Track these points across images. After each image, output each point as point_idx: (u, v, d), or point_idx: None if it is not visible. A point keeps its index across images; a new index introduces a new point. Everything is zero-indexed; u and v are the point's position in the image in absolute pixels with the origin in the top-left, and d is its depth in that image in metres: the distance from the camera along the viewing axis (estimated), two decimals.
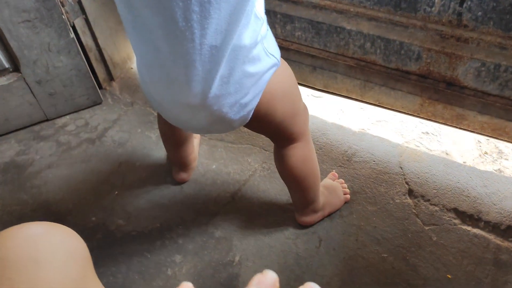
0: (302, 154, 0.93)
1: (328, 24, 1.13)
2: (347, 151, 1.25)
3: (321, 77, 1.26)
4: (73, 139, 1.36)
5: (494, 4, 0.88)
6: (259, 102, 0.78)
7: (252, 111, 0.78)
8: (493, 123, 1.06)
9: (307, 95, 1.43)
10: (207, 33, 0.69)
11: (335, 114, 1.38)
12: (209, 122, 0.79)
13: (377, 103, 1.23)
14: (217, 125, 0.81)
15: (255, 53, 0.75)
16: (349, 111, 1.38)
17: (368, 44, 1.11)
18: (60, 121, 1.42)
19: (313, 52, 1.21)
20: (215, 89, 0.73)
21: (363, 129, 1.32)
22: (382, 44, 1.08)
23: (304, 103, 0.94)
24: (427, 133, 1.31)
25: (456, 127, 1.14)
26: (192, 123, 0.81)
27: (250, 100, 0.76)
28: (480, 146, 1.28)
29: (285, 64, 0.86)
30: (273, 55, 0.79)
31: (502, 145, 1.26)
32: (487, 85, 1.00)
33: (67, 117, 1.43)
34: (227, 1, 0.68)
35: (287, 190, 1.04)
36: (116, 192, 1.21)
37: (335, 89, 1.27)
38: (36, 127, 1.40)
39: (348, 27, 1.10)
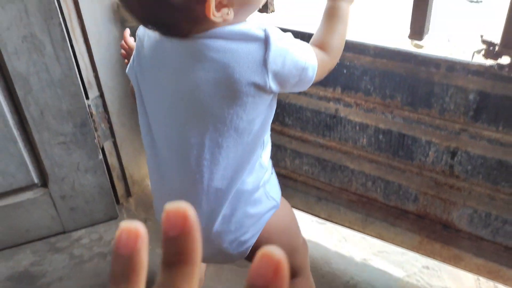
0: None
1: (333, 162, 1.24)
2: (348, 282, 1.28)
3: (325, 207, 1.35)
4: (86, 253, 1.42)
5: (482, 161, 0.99)
6: (257, 239, 0.86)
7: (251, 247, 0.86)
8: (488, 266, 1.11)
9: (311, 221, 1.50)
10: (214, 177, 0.80)
11: (338, 242, 1.44)
12: (210, 254, 0.87)
13: (378, 236, 1.30)
14: (217, 257, 0.89)
15: (257, 196, 0.86)
16: (352, 240, 1.44)
17: (369, 183, 1.21)
18: (76, 234, 1.49)
19: (319, 185, 1.31)
20: (217, 226, 0.82)
21: (365, 259, 1.37)
22: (382, 184, 1.18)
23: (303, 238, 1.01)
24: (428, 267, 1.36)
25: (454, 266, 1.19)
26: None
27: (249, 238, 0.85)
28: (479, 284, 1.31)
29: (284, 203, 0.95)
30: (273, 198, 0.89)
31: (501, 286, 1.30)
32: (480, 231, 1.08)
33: (83, 230, 1.50)
34: (235, 151, 0.79)
35: None
36: None
37: (338, 220, 1.35)
38: (53, 239, 1.47)
39: (351, 167, 1.21)
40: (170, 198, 0.84)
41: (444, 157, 1.05)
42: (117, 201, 1.56)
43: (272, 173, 0.96)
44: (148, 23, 0.72)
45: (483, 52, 0.88)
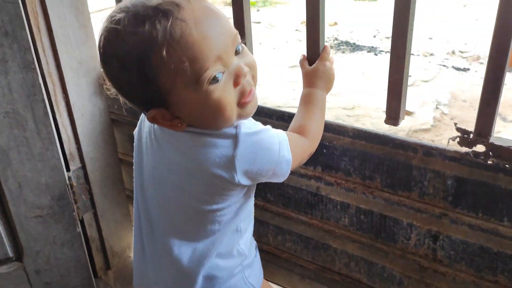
0: None
1: (315, 240, 1.21)
2: None
3: (309, 286, 1.30)
4: None
5: (464, 246, 0.97)
6: None
7: None
8: None
9: None
10: (182, 258, 0.83)
11: None
12: None
13: None
14: None
15: (233, 283, 0.86)
16: None
17: (352, 263, 1.17)
18: None
19: (302, 262, 1.27)
20: None
21: None
22: (366, 265, 1.15)
23: None
24: None
25: None
26: None
27: None
28: None
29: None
30: (252, 285, 0.88)
31: None
32: None
33: None
34: (203, 235, 0.82)
35: None
36: None
37: None
38: None
39: (334, 246, 1.19)
40: (144, 274, 0.88)
41: (426, 241, 1.02)
42: (95, 275, 1.50)
43: (255, 257, 0.94)
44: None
45: (458, 139, 0.88)
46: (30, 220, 1.28)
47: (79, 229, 1.37)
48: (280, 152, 0.76)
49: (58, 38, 1.21)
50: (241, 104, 0.71)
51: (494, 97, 0.81)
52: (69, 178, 1.32)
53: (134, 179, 0.89)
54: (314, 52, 0.96)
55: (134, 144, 0.89)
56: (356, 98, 3.03)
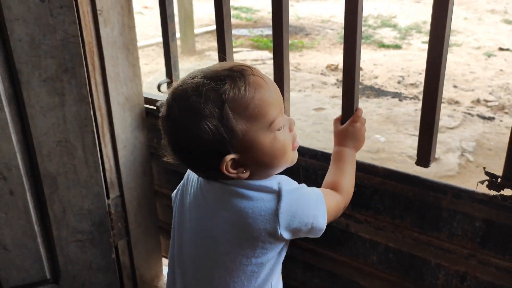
0: None
1: (344, 277, 1.24)
2: None
3: None
4: None
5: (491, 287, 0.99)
6: None
7: None
8: None
9: None
10: None
11: None
12: None
13: None
14: None
15: None
16: None
17: None
18: None
19: None
20: None
21: None
22: None
23: None
24: None
25: None
26: None
27: None
28: None
29: None
30: None
31: None
32: None
33: None
34: None
35: None
36: None
37: None
38: None
39: (362, 283, 1.21)
40: None
41: (454, 281, 1.05)
42: None
43: None
44: (186, 165, 0.86)
45: (486, 183, 0.92)
46: (70, 244, 1.35)
47: (114, 255, 1.42)
48: (317, 207, 0.84)
49: (110, 75, 1.31)
50: (293, 147, 0.85)
51: None
52: (109, 205, 1.39)
53: (172, 240, 0.95)
54: (348, 111, 1.05)
55: (174, 206, 0.95)
56: (381, 143, 3.08)
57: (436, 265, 1.06)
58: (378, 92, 4.13)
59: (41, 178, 1.25)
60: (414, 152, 2.97)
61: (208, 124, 0.74)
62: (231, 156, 0.77)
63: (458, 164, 2.81)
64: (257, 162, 0.80)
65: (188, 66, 5.06)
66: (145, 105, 1.46)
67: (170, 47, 1.38)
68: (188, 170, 0.94)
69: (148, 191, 1.53)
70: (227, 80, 0.75)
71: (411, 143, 3.03)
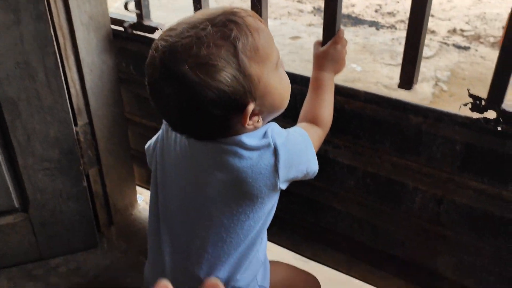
0: None
1: (321, 203, 1.24)
2: None
3: (310, 247, 1.34)
4: (62, 282, 1.38)
5: (468, 211, 1.00)
6: None
7: None
8: None
9: (295, 258, 1.49)
10: (212, 272, 0.83)
11: (322, 283, 1.42)
12: None
13: (362, 279, 1.29)
14: None
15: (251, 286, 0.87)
16: (336, 280, 1.42)
17: (356, 225, 1.20)
18: (53, 262, 1.45)
19: (306, 224, 1.30)
20: None
21: None
22: (369, 227, 1.18)
23: None
24: None
25: None
26: None
27: None
28: None
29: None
30: (263, 286, 0.91)
31: None
32: (465, 280, 1.08)
33: (61, 258, 1.46)
34: (237, 248, 0.82)
35: None
36: None
37: (323, 260, 1.34)
38: (29, 266, 1.43)
39: (339, 208, 1.22)
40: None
41: (430, 205, 1.05)
42: (98, 230, 1.53)
43: (266, 263, 0.96)
44: (180, 130, 0.78)
45: (469, 105, 0.90)
46: (37, 173, 1.29)
47: (85, 183, 1.38)
48: (307, 152, 0.83)
49: None
50: None
51: (509, 64, 0.82)
52: (77, 133, 1.33)
53: (155, 197, 0.89)
54: (329, 34, 0.99)
55: (151, 161, 0.89)
56: (357, 72, 3.04)
57: (414, 189, 1.06)
58: (355, 21, 4.03)
59: (1, 103, 1.16)
60: (389, 82, 2.95)
61: (227, 76, 0.68)
62: (252, 105, 0.72)
63: (432, 94, 2.82)
64: (270, 107, 0.76)
65: None
66: (112, 26, 1.36)
67: None
68: (167, 126, 0.86)
69: (118, 119, 1.46)
70: (231, 25, 0.69)
71: (387, 73, 3.00)
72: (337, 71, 0.98)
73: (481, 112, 0.90)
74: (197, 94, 0.68)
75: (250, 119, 0.73)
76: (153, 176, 0.89)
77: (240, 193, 0.77)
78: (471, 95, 0.91)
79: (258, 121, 0.75)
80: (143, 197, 1.73)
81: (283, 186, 0.80)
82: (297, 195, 1.27)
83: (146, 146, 0.92)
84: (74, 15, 1.23)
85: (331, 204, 1.22)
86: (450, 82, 2.96)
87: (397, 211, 1.11)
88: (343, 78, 2.89)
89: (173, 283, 0.84)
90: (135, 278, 1.40)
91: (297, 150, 0.81)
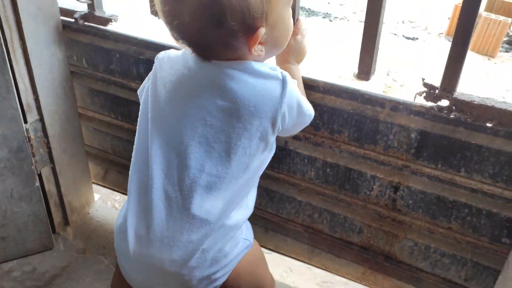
0: None
1: (281, 193, 1.25)
2: None
3: (272, 238, 1.35)
4: (17, 286, 1.32)
5: (422, 196, 1.04)
6: (226, 279, 0.84)
7: (218, 287, 0.84)
8: None
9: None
10: (203, 207, 0.78)
11: (284, 273, 1.44)
12: None
13: (323, 267, 1.32)
14: None
15: (236, 235, 0.85)
16: (297, 270, 1.44)
17: (316, 215, 1.22)
18: (7, 266, 1.38)
19: (266, 215, 1.31)
20: (194, 260, 0.79)
21: None
22: (328, 216, 1.21)
23: (270, 276, 1.01)
24: None
25: None
26: None
27: (219, 277, 0.83)
28: None
29: (256, 245, 0.95)
30: (247, 239, 0.89)
31: None
32: (420, 262, 1.12)
33: (15, 262, 1.40)
34: (230, 184, 0.79)
35: None
36: None
37: (285, 250, 1.35)
38: None
39: (299, 198, 1.23)
40: (150, 225, 0.79)
41: (387, 192, 1.09)
42: (54, 230, 1.47)
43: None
44: (187, 40, 0.74)
45: (424, 94, 0.93)
46: None
47: (38, 183, 1.32)
48: (309, 107, 0.85)
49: None
50: None
51: (461, 54, 0.86)
52: (27, 130, 1.27)
53: (142, 133, 0.84)
54: None
55: (143, 98, 0.85)
56: (311, 64, 3.08)
57: (372, 177, 1.09)
58: (308, 12, 4.07)
59: None
60: (344, 73, 3.02)
61: None
62: (263, 30, 0.71)
63: (384, 84, 2.90)
64: (275, 40, 0.76)
65: None
66: (62, 18, 1.30)
67: None
68: (161, 60, 0.83)
69: (71, 114, 1.40)
70: None
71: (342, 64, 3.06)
72: (299, 60, 0.98)
73: (435, 101, 0.94)
74: (221, 3, 0.67)
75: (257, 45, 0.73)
76: (142, 113, 0.84)
77: (240, 122, 0.75)
78: (425, 84, 0.94)
79: (261, 50, 0.75)
80: (99, 195, 1.68)
81: (280, 123, 0.78)
82: (258, 187, 1.27)
83: (139, 90, 0.91)
84: (21, 5, 1.16)
85: (292, 195, 1.23)
86: (400, 72, 3.06)
87: (355, 199, 1.14)
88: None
89: (163, 222, 0.78)
90: (94, 277, 1.36)
91: (301, 97, 0.82)
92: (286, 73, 0.77)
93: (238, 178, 0.80)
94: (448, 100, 0.91)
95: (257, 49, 0.73)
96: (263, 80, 0.75)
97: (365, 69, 0.97)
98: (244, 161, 0.79)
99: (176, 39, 0.75)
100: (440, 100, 0.93)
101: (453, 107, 0.91)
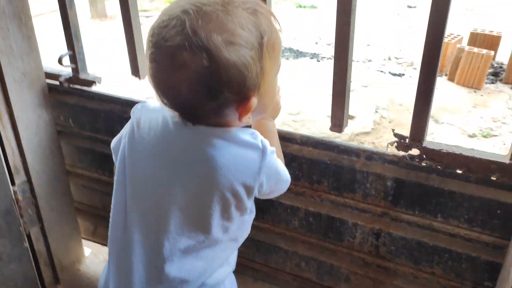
0: None
1: (267, 243, 1.26)
2: None
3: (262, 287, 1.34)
4: None
5: (403, 242, 1.05)
6: None
7: None
8: None
9: None
10: (183, 268, 0.80)
11: None
12: None
13: None
14: None
15: None
16: None
17: (303, 263, 1.23)
18: None
19: (255, 265, 1.31)
20: None
21: None
22: (315, 264, 1.21)
23: None
24: None
25: None
26: None
27: None
28: None
29: None
30: None
31: None
32: None
33: None
34: (213, 249, 0.82)
35: None
36: None
37: None
38: None
39: (285, 247, 1.24)
40: (128, 283, 0.80)
41: (370, 238, 1.10)
42: None
43: (230, 272, 0.95)
44: (178, 108, 0.73)
45: (395, 144, 0.96)
46: None
47: (26, 244, 1.33)
48: (286, 173, 0.85)
49: (0, 49, 1.18)
50: None
51: (425, 106, 0.89)
52: (15, 192, 1.29)
53: (119, 193, 0.83)
54: None
55: (119, 156, 0.84)
56: (301, 104, 3.13)
57: (353, 224, 1.10)
58: (296, 54, 4.17)
59: None
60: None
61: (251, 62, 0.67)
62: (255, 99, 0.71)
63: (373, 121, 2.94)
64: (262, 107, 0.77)
65: (101, 34, 4.75)
66: (48, 81, 1.34)
67: (69, 15, 1.26)
68: (138, 116, 0.82)
69: (59, 173, 1.43)
70: (260, 16, 0.69)
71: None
72: (274, 116, 0.99)
73: (406, 150, 0.96)
74: (219, 70, 0.65)
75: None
76: (120, 172, 0.83)
77: (218, 190, 0.75)
78: (396, 134, 0.97)
79: (249, 118, 0.75)
80: (90, 250, 1.68)
81: (257, 189, 0.78)
82: None
83: (112, 144, 0.88)
84: (6, 72, 1.21)
85: (278, 245, 1.24)
86: (388, 108, 3.11)
87: (339, 246, 1.15)
88: (289, 111, 2.96)
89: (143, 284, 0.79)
90: None
91: (277, 164, 0.81)
92: (266, 142, 0.77)
93: (218, 241, 0.81)
94: (418, 149, 0.94)
95: (246, 117, 0.74)
96: (243, 149, 0.75)
97: (337, 122, 1.00)
98: (223, 225, 0.80)
99: (165, 104, 0.74)
100: (411, 149, 0.95)
101: (424, 156, 0.94)
